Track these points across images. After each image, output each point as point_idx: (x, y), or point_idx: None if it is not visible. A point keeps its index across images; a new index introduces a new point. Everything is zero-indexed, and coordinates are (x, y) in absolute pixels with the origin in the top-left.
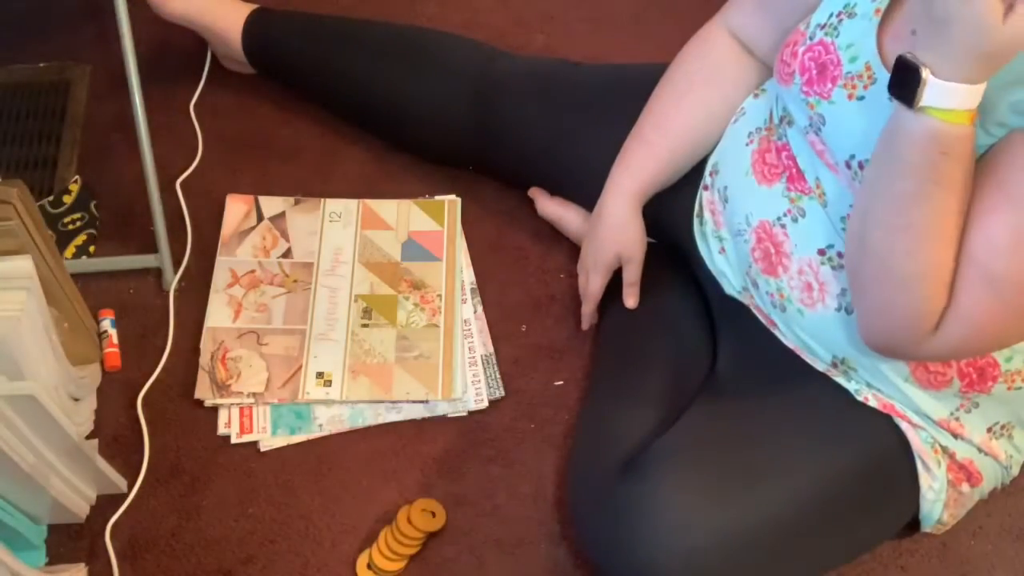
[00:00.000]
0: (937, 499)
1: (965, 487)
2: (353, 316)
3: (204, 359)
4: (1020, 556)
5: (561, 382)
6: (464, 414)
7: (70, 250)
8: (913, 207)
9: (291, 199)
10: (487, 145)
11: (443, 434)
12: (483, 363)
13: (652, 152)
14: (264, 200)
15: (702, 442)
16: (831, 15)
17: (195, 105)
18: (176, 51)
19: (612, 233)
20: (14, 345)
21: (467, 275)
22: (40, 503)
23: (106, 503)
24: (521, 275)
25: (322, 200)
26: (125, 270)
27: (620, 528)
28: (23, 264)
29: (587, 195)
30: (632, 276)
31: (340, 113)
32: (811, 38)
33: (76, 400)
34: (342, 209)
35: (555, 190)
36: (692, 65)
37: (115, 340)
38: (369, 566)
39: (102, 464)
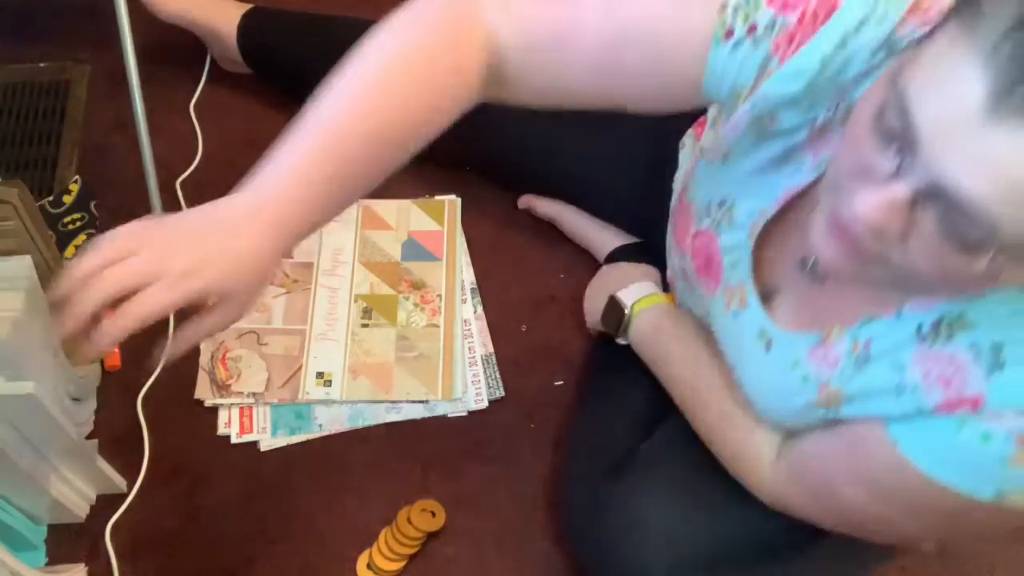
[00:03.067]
0: None
1: None
2: (353, 316)
3: (204, 359)
4: (1020, 556)
5: (561, 382)
6: (464, 414)
7: (70, 250)
8: (676, 383)
9: None
10: (483, 146)
11: (443, 434)
12: (483, 363)
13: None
14: None
15: (688, 448)
16: (711, 204)
17: (195, 105)
18: (176, 51)
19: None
20: (14, 345)
21: (467, 275)
22: (40, 503)
23: (106, 503)
24: (521, 275)
25: None
26: None
27: (610, 536)
28: (23, 264)
29: (584, 196)
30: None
31: None
32: (699, 222)
33: (76, 400)
34: None
35: (552, 191)
36: (432, 52)
37: None
38: (369, 566)
39: (102, 464)
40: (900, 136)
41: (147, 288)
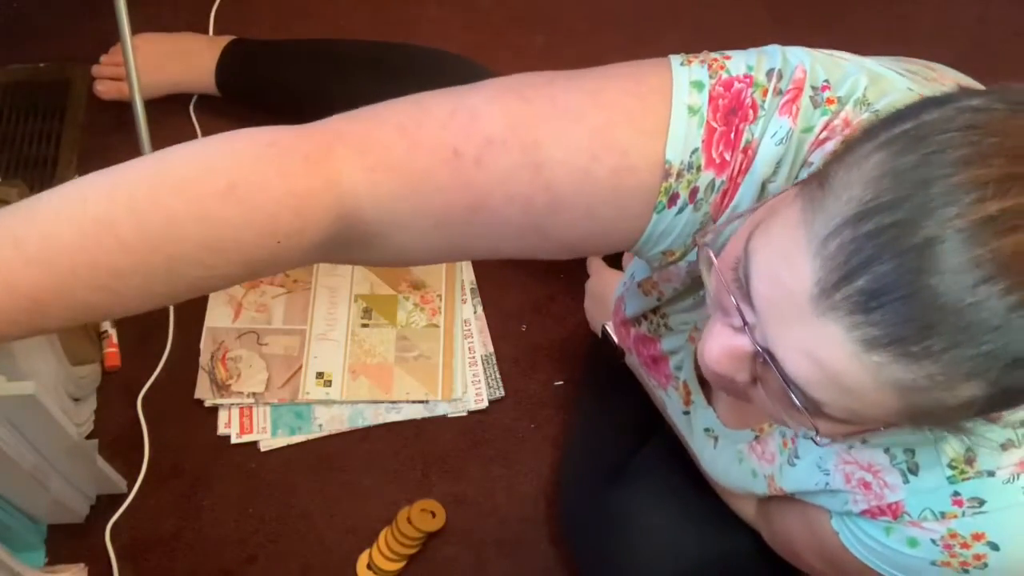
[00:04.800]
0: None
1: None
2: (353, 316)
3: (204, 359)
4: None
5: (561, 382)
6: (464, 414)
7: None
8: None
9: None
10: None
11: (443, 434)
12: (483, 363)
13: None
14: None
15: (685, 457)
16: (646, 311)
17: (195, 105)
18: None
19: None
20: (14, 345)
21: (467, 275)
22: (40, 503)
23: (106, 503)
24: (521, 275)
25: None
26: None
27: (608, 542)
28: None
29: None
30: None
31: None
32: (636, 326)
33: (76, 400)
34: None
35: None
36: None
37: (115, 340)
38: (369, 566)
39: (102, 464)
40: (746, 294)
41: None
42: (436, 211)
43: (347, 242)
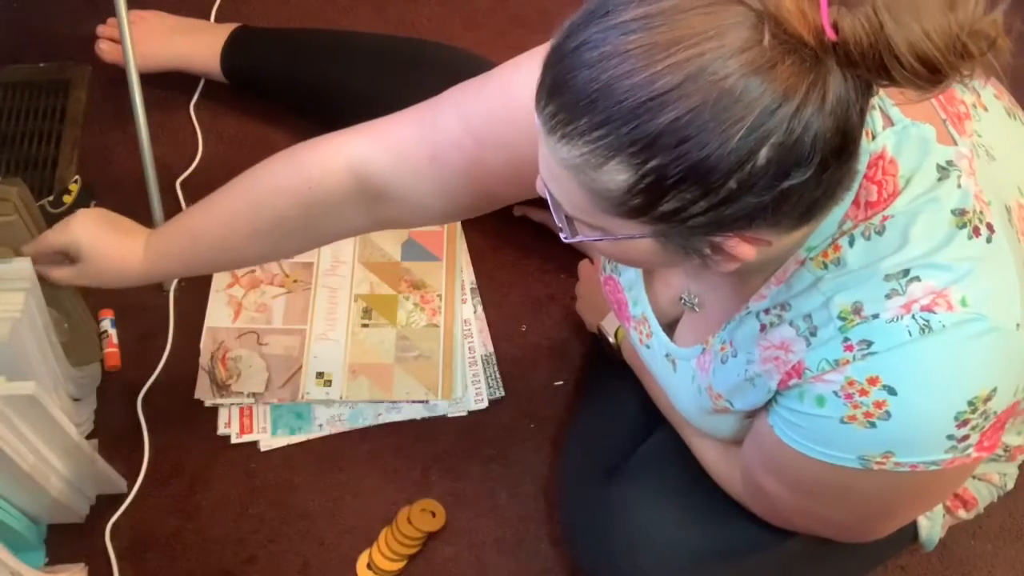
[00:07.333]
0: (933, 527)
1: (961, 512)
2: (353, 316)
3: (204, 359)
4: (1020, 556)
5: (561, 382)
6: (464, 414)
7: None
8: (659, 405)
9: None
10: None
11: (443, 434)
12: (483, 363)
13: (189, 260)
14: None
15: (684, 452)
16: None
17: (195, 105)
18: None
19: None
20: (14, 346)
21: (467, 275)
22: (40, 503)
23: (106, 503)
24: (521, 275)
25: None
26: None
27: (606, 538)
28: (23, 265)
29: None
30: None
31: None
32: (604, 269)
33: (76, 400)
34: None
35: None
36: (286, 208)
37: (115, 340)
38: (369, 566)
39: (102, 464)
40: None
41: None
42: (409, 158)
43: (379, 197)
